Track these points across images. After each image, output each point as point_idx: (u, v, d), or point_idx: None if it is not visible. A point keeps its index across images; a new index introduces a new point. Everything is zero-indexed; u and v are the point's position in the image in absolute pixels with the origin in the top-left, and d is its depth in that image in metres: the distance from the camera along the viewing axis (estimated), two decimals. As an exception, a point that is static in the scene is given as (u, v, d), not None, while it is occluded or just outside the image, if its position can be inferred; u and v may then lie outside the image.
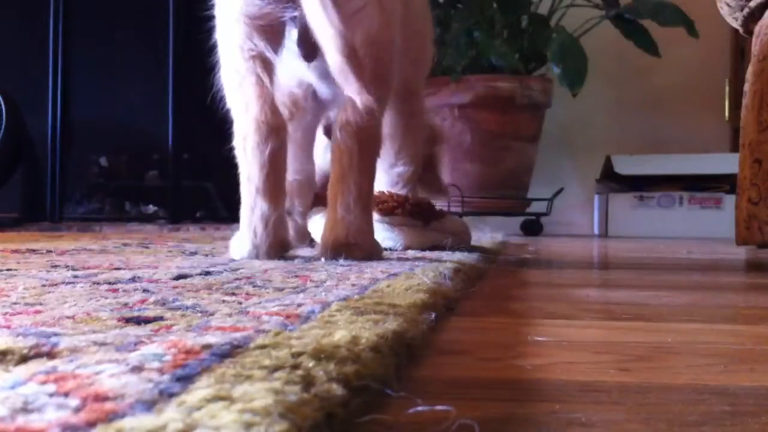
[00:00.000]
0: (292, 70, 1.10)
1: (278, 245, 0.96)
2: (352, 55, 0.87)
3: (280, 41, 1.00)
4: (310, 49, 1.00)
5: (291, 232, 1.11)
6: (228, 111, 1.00)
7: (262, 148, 0.95)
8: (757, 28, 1.48)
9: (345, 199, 0.97)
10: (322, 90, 1.14)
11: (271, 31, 0.98)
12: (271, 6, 0.97)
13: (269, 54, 0.98)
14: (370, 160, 1.00)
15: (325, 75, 1.03)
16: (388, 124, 1.19)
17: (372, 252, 0.99)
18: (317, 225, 1.24)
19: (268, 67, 0.98)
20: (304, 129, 1.22)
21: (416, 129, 1.32)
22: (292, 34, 1.01)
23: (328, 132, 1.37)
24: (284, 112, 1.03)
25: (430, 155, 1.46)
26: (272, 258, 0.95)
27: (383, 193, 1.25)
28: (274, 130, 0.96)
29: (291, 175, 1.11)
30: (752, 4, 1.49)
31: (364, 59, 0.94)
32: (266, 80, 0.97)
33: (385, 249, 1.09)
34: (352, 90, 0.89)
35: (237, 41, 0.98)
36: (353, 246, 0.96)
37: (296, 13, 0.96)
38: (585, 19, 2.92)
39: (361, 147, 0.98)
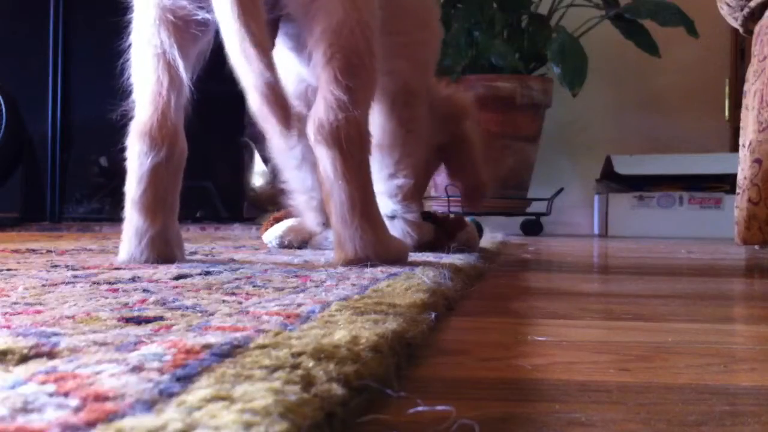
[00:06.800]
0: (291, 68, 1.04)
1: (157, 260, 0.87)
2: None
3: (191, 44, 0.89)
4: None
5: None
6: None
7: (142, 159, 0.87)
8: (757, 28, 1.48)
9: (339, 212, 0.85)
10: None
11: (183, 29, 0.87)
12: (185, 0, 0.86)
13: (174, 55, 0.87)
14: (356, 165, 0.85)
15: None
16: (386, 132, 1.10)
17: (388, 259, 0.86)
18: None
19: (171, 69, 0.87)
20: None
21: (418, 136, 1.17)
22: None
23: None
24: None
25: (457, 136, 1.29)
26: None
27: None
28: (158, 143, 0.87)
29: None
30: (752, 4, 1.49)
31: (330, 50, 0.84)
32: (165, 84, 0.87)
33: None
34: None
35: (146, 33, 0.87)
36: (364, 261, 0.85)
37: (209, 16, 0.85)
38: (585, 19, 2.92)
39: (341, 151, 0.84)
